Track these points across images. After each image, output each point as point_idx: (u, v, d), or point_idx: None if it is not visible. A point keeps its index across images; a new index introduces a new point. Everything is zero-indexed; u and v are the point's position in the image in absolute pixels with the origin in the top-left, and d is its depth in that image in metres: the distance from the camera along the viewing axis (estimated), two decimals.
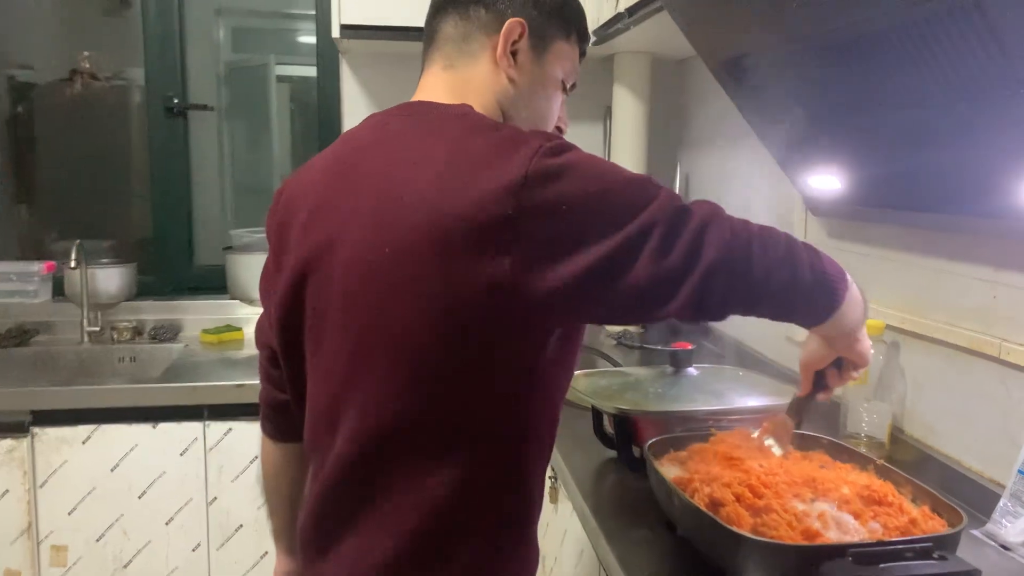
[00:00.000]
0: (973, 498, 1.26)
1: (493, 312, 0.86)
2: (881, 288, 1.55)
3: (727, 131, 2.30)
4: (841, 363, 1.10)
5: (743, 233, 0.90)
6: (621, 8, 2.00)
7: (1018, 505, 1.16)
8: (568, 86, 1.13)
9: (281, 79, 2.93)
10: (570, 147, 0.88)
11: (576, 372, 1.63)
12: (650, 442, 1.20)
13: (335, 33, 2.25)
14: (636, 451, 1.39)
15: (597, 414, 1.48)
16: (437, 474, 0.91)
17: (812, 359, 1.11)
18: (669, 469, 1.16)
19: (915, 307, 1.46)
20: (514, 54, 1.05)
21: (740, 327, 2.22)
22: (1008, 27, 0.92)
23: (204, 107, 2.72)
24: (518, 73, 1.05)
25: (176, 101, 2.67)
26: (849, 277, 0.97)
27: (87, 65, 2.74)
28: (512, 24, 1.03)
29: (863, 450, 1.44)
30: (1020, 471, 1.17)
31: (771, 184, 1.98)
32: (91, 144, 2.79)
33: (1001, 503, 1.18)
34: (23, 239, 2.78)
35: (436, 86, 1.06)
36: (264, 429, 1.20)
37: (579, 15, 1.11)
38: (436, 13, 1.09)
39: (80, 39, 2.79)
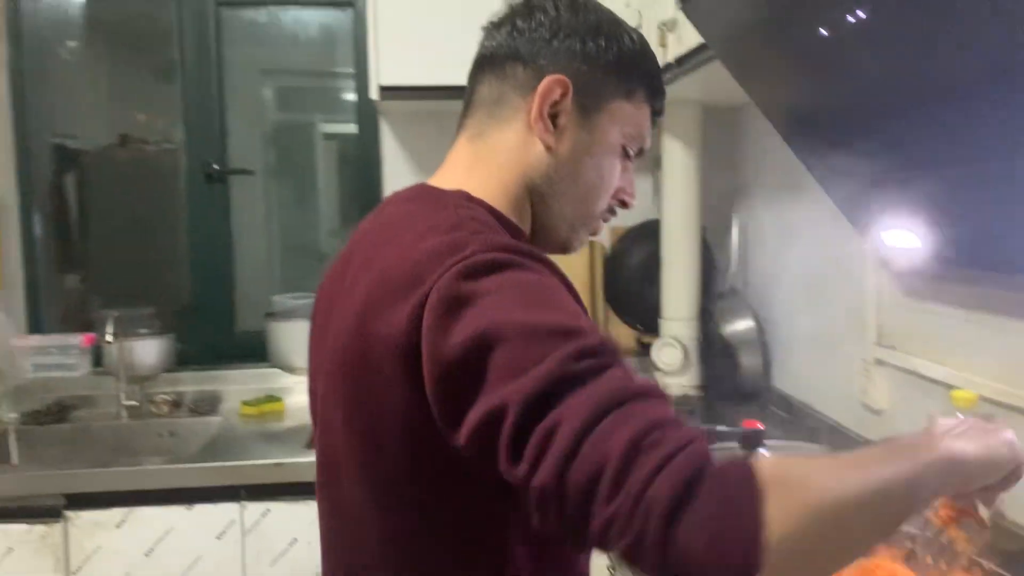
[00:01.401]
0: None
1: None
2: (972, 355, 1.40)
3: (788, 181, 2.17)
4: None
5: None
6: (670, 58, 1.90)
7: None
8: (632, 152, 0.97)
9: (328, 136, 2.89)
10: (500, 265, 0.75)
11: None
12: None
13: (373, 95, 2.20)
14: None
15: None
16: None
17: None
18: None
19: (1014, 377, 1.30)
20: (554, 117, 0.91)
21: (811, 392, 2.07)
22: None
23: (244, 171, 2.68)
24: (557, 140, 0.92)
25: (216, 167, 2.63)
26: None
27: (135, 131, 2.73)
28: (550, 83, 0.90)
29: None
30: None
31: (838, 237, 1.84)
32: (139, 210, 2.76)
33: None
34: (68, 309, 2.75)
35: (457, 161, 0.96)
36: None
37: (647, 69, 0.96)
38: (474, 73, 0.98)
39: (127, 105, 2.78)
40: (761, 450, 1.33)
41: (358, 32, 2.60)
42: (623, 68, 0.93)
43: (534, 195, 0.94)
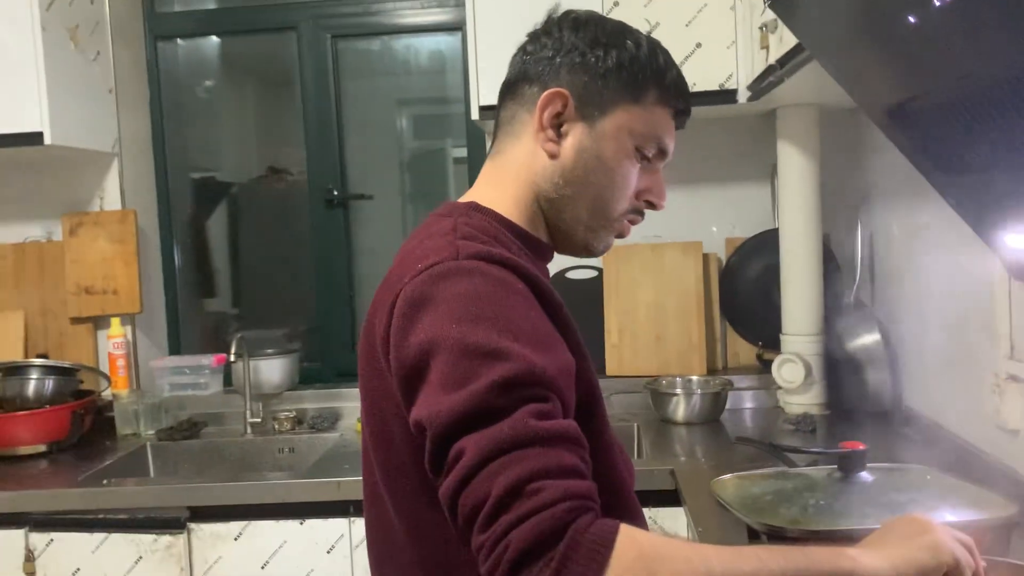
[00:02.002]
0: None
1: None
2: None
3: (914, 185, 2.02)
4: None
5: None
6: (772, 60, 1.82)
7: None
8: (650, 154, 0.99)
9: (458, 160, 2.93)
10: (463, 272, 0.82)
11: (730, 474, 1.43)
12: None
13: (474, 115, 2.22)
14: None
15: (752, 530, 1.27)
16: None
17: None
18: None
19: None
20: (559, 127, 0.97)
21: (942, 411, 1.91)
22: None
23: (362, 196, 2.77)
24: (563, 149, 0.97)
25: (336, 192, 2.74)
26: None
27: (277, 162, 2.88)
28: (549, 95, 0.96)
29: None
30: None
31: (966, 244, 1.69)
32: (272, 237, 2.92)
33: None
34: (207, 332, 2.93)
35: (480, 178, 1.04)
36: None
37: (655, 70, 0.97)
38: (499, 99, 1.05)
39: (266, 139, 2.94)
40: (863, 473, 1.23)
41: (466, 55, 2.63)
42: (626, 73, 0.96)
43: (544, 202, 1.00)
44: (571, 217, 1.00)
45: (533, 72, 0.99)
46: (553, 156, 0.97)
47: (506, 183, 0.99)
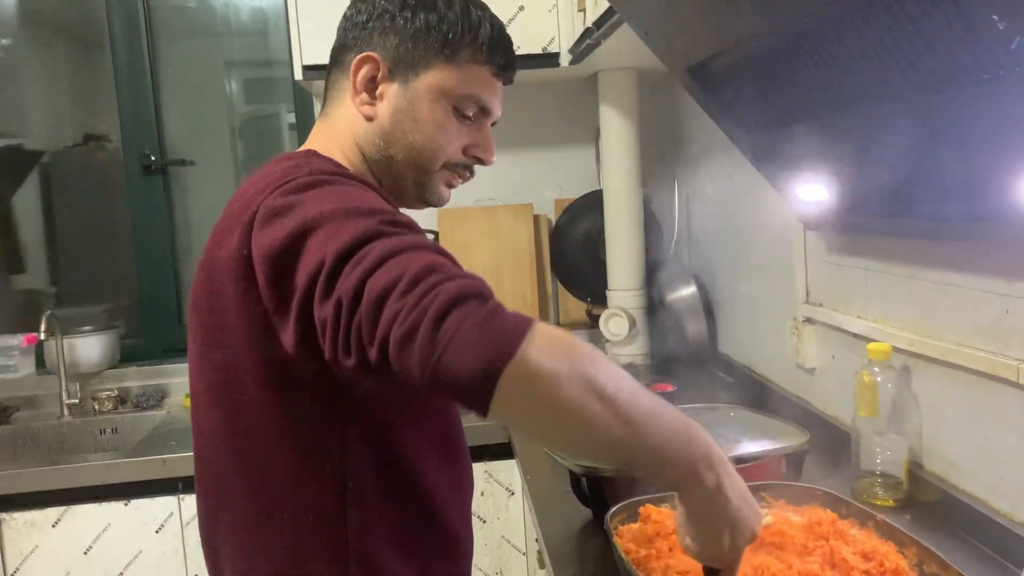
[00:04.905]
0: (1003, 545, 1.08)
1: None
2: (887, 306, 1.38)
3: (725, 144, 2.14)
4: None
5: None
6: (589, 22, 1.87)
7: None
8: (470, 113, 1.01)
9: (292, 127, 2.83)
10: (321, 182, 0.84)
11: None
12: (612, 510, 1.04)
13: (298, 75, 2.16)
14: None
15: (572, 473, 1.33)
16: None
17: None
18: (632, 541, 1.00)
19: (924, 327, 1.28)
20: (375, 90, 0.99)
21: (751, 354, 2.05)
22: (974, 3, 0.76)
23: (182, 162, 2.64)
24: (378, 110, 1.00)
25: (153, 158, 2.60)
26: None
27: (92, 129, 2.69)
28: (359, 60, 0.99)
29: (879, 491, 1.28)
30: None
31: (768, 198, 1.81)
32: (91, 208, 2.73)
33: None
34: (16, 311, 2.72)
35: (312, 135, 1.05)
36: None
37: (466, 28, 0.98)
38: (327, 69, 1.07)
39: (75, 104, 2.74)
40: None
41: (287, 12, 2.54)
42: (435, 33, 0.98)
43: (370, 161, 1.02)
44: (397, 175, 1.02)
45: (350, 39, 1.01)
46: (370, 119, 1.00)
47: (334, 141, 1.01)
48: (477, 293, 0.68)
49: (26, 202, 2.71)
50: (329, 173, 0.86)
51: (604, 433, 0.67)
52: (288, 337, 0.80)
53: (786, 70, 1.19)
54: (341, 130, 1.01)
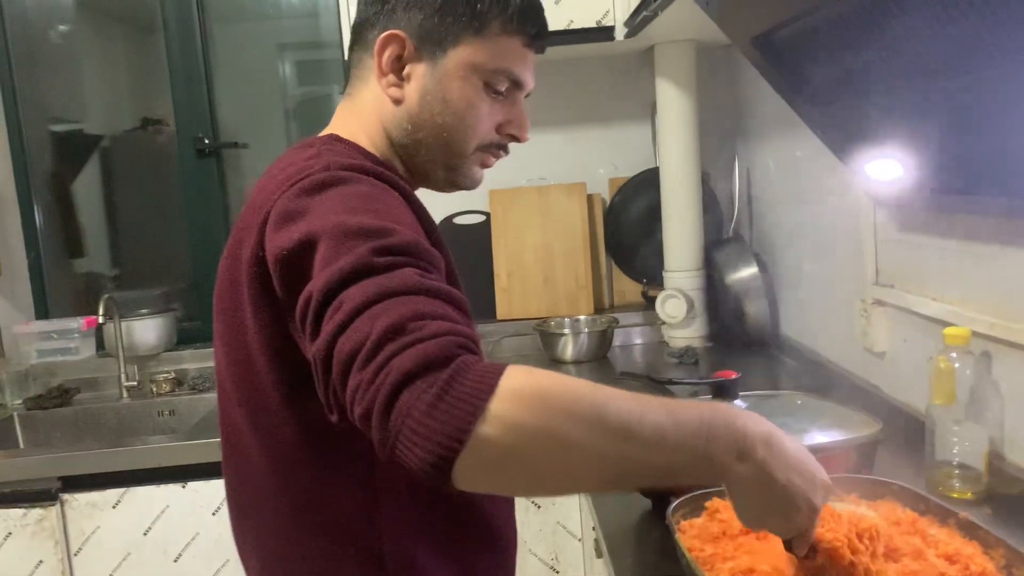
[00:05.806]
0: None
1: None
2: (964, 288, 1.31)
3: (788, 118, 2.06)
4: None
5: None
6: None
7: None
8: (501, 88, 0.96)
9: None
10: (336, 181, 0.81)
11: None
12: (674, 503, 1.00)
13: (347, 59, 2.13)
14: None
15: None
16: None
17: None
18: (696, 539, 0.95)
19: (1007, 310, 1.20)
20: (402, 70, 0.94)
21: (816, 337, 1.98)
22: None
23: (235, 145, 2.64)
24: (406, 91, 0.94)
25: (207, 141, 2.60)
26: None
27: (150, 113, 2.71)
28: (384, 39, 0.93)
29: (956, 483, 1.22)
30: None
31: (835, 174, 1.73)
32: (149, 192, 2.75)
33: None
34: (79, 294, 2.76)
35: (335, 118, 1.01)
36: None
37: (494, 0, 0.92)
38: (349, 46, 1.03)
39: (142, 89, 2.76)
40: (736, 401, 1.26)
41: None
42: (463, 5, 0.93)
43: (398, 147, 0.97)
44: (426, 159, 0.98)
45: (372, 16, 0.96)
46: (398, 101, 0.95)
47: (359, 124, 0.97)
48: (436, 361, 0.62)
49: (87, 186, 2.75)
50: (346, 168, 0.83)
51: (598, 474, 0.64)
52: (304, 345, 0.79)
53: (860, 39, 1.12)
54: (367, 112, 0.97)
